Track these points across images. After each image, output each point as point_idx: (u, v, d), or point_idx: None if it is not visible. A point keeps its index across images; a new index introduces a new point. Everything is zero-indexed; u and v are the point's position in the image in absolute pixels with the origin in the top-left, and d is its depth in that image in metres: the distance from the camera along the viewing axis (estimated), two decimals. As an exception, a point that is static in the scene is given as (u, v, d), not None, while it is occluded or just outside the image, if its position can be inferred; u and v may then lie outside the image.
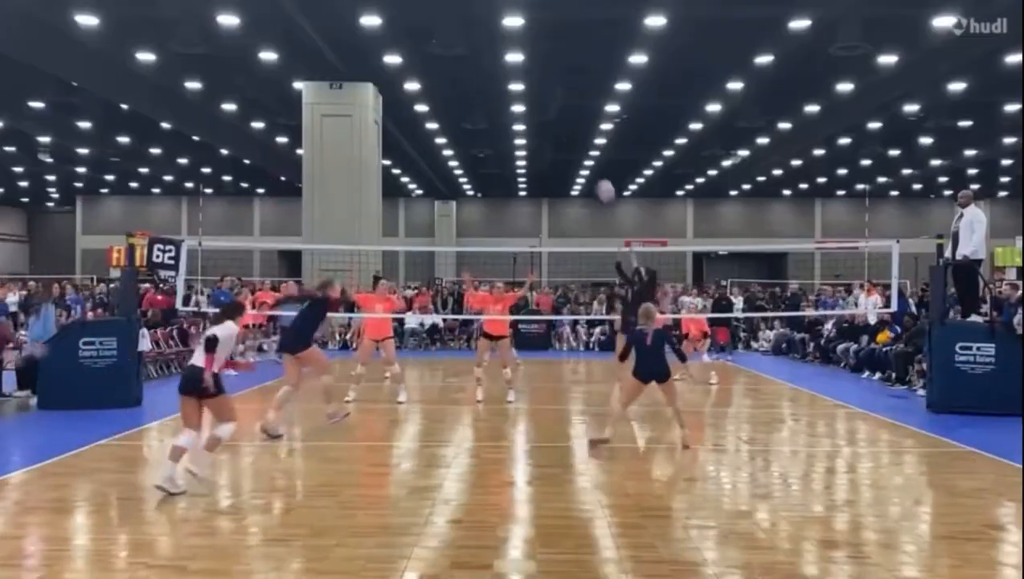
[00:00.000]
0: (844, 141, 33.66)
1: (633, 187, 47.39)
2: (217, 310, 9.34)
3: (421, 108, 28.48)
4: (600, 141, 34.00)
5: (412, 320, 23.82)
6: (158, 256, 13.98)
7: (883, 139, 32.87)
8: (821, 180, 44.24)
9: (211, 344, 7.65)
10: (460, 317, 23.46)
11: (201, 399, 7.74)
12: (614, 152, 35.84)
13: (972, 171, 39.95)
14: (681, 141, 33.95)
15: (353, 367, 13.21)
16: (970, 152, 35.42)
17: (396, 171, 41.04)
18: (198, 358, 7.82)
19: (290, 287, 20.28)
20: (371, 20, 19.28)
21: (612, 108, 28.07)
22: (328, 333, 25.27)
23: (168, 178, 44.61)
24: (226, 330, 7.94)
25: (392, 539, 6.25)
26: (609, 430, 9.65)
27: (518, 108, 28.09)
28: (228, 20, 19.00)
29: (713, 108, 27.73)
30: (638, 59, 22.04)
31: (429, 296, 26.12)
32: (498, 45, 21.23)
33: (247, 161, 38.19)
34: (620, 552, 5.99)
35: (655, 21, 18.94)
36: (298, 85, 25.49)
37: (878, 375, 16.89)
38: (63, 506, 7.28)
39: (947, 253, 13.43)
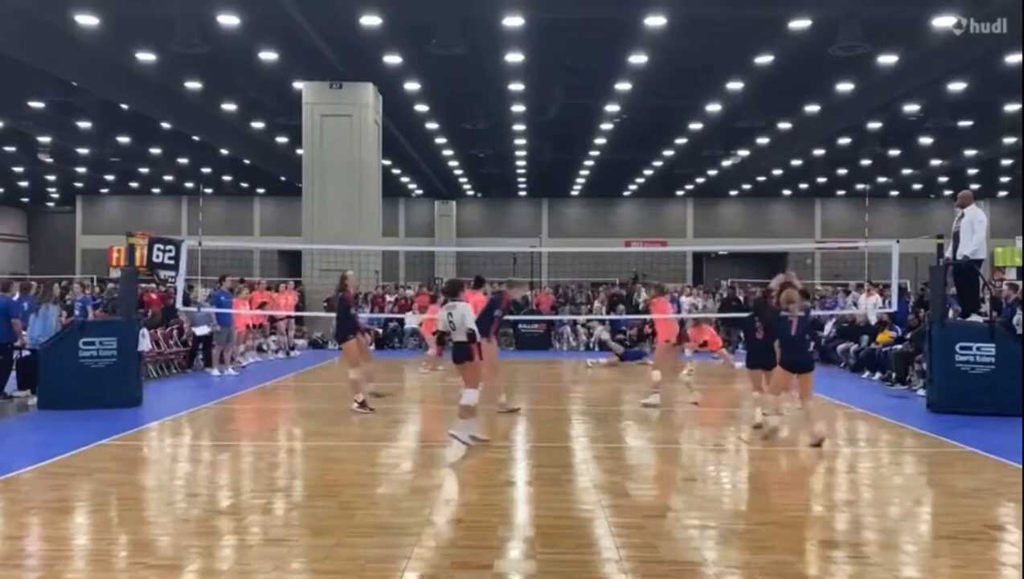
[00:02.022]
0: (844, 141, 33.65)
1: (633, 187, 47.39)
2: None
3: (421, 108, 28.48)
4: (600, 141, 34.00)
5: (412, 320, 23.80)
6: (158, 256, 14.01)
7: (883, 139, 32.87)
8: (821, 180, 44.24)
9: (472, 336, 9.73)
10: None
11: (461, 365, 9.84)
12: (614, 152, 35.83)
13: (972, 171, 39.95)
14: (681, 141, 33.94)
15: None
16: (970, 152, 35.41)
17: (396, 171, 41.03)
18: (460, 336, 9.78)
19: None
20: (371, 20, 19.28)
21: (612, 108, 28.06)
22: (328, 333, 25.26)
23: (168, 178, 44.62)
24: (466, 310, 9.92)
25: (392, 539, 6.24)
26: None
27: (518, 108, 28.08)
28: (228, 20, 19.02)
29: (713, 108, 27.73)
30: (638, 59, 22.05)
31: (429, 296, 26.09)
32: (498, 45, 21.23)
33: (247, 161, 38.19)
34: (620, 552, 5.98)
35: (655, 21, 18.96)
36: (298, 85, 25.49)
37: (878, 375, 16.88)
38: (63, 506, 7.27)
39: (947, 253, 13.42)
